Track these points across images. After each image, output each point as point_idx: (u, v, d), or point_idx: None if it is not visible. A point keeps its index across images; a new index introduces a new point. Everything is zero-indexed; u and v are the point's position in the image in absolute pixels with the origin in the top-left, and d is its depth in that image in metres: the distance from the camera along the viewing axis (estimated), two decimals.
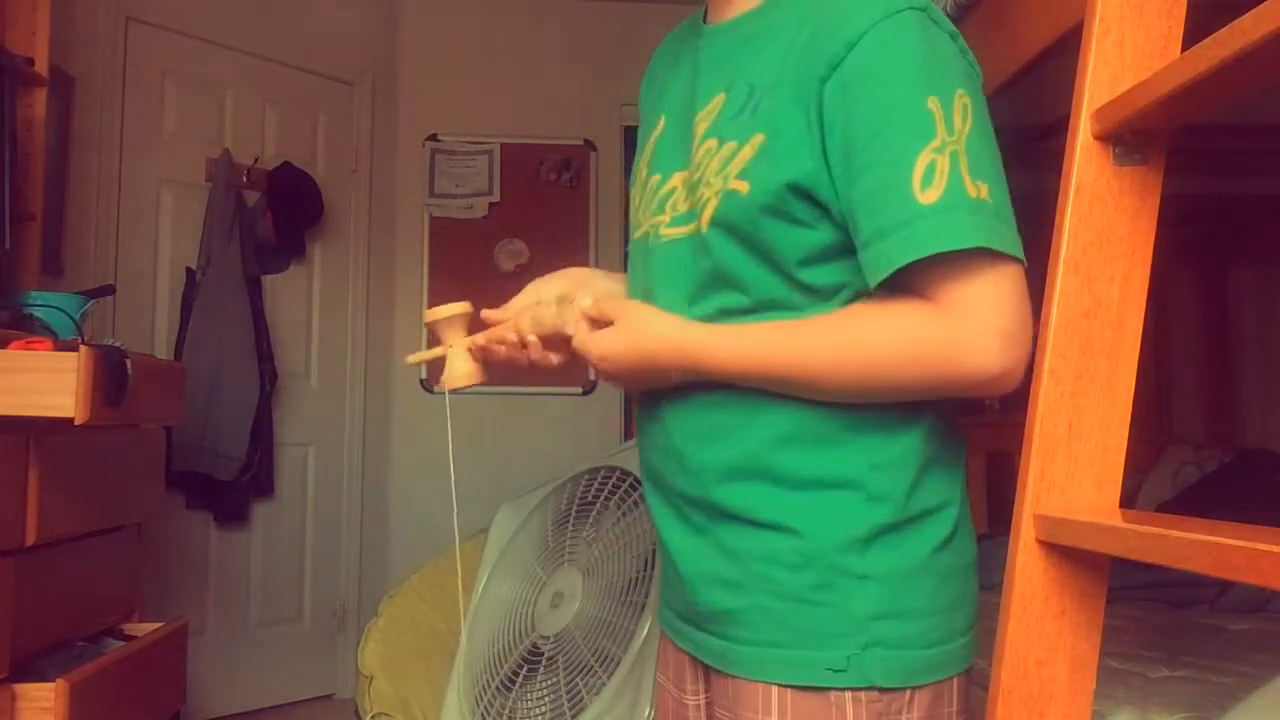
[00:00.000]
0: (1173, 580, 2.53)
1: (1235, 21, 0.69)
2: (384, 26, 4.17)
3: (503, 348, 1.13)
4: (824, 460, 0.97)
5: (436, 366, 1.16)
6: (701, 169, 1.02)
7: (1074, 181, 0.87)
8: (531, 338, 1.11)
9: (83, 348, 1.92)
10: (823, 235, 0.96)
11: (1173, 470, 3.27)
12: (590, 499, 2.56)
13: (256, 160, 3.68)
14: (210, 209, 3.49)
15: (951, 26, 0.98)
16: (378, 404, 4.08)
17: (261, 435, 3.55)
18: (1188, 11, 0.86)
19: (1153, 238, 0.87)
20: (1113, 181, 0.87)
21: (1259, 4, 0.66)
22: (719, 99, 1.03)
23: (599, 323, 1.04)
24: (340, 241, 3.99)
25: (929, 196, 0.89)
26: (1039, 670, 0.85)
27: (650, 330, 1.01)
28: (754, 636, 0.99)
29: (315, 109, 3.94)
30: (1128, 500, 1.54)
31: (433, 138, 4.19)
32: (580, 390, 4.24)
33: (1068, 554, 0.85)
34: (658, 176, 1.10)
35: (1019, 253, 0.91)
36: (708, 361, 0.98)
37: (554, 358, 1.12)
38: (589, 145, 4.27)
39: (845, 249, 0.96)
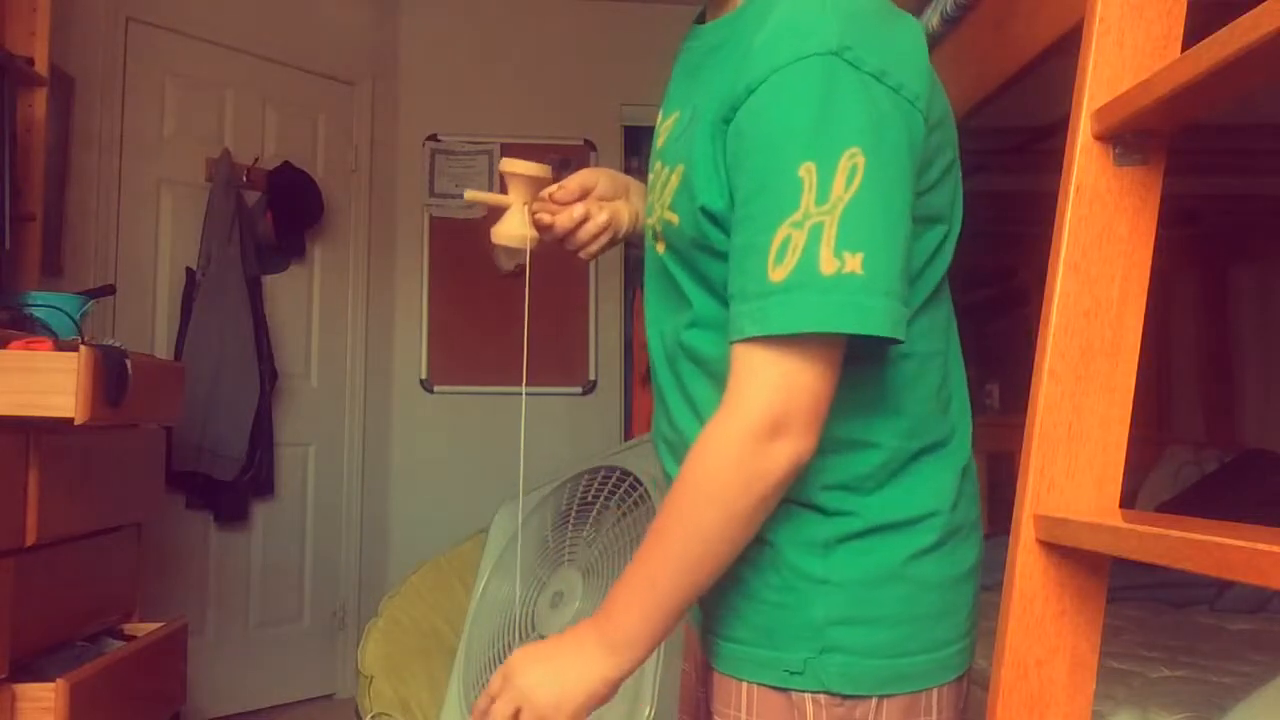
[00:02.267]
0: (1173, 580, 2.53)
1: (1235, 21, 0.68)
2: (384, 26, 4.17)
3: (563, 219, 1.14)
4: None
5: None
6: (654, 190, 1.05)
7: (1074, 181, 0.87)
8: (601, 217, 1.14)
9: (83, 348, 1.92)
10: None
11: (1173, 470, 3.27)
12: (590, 499, 2.56)
13: (256, 160, 3.68)
14: (210, 209, 3.49)
15: (882, 64, 0.90)
16: (378, 404, 4.09)
17: (261, 435, 3.55)
18: (1188, 11, 0.86)
19: (1153, 238, 0.87)
20: (1113, 181, 0.87)
21: (1259, 4, 0.66)
22: (674, 117, 1.05)
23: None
24: (340, 241, 4.00)
25: (778, 274, 0.87)
26: (1039, 670, 0.85)
27: (561, 672, 0.95)
28: (730, 633, 1.01)
29: (315, 109, 3.94)
30: (1128, 500, 1.54)
31: (433, 138, 4.19)
32: (580, 390, 4.24)
33: (1068, 554, 0.85)
34: (652, 177, 1.12)
35: (884, 328, 0.88)
36: (642, 642, 0.95)
37: (602, 240, 1.16)
38: (589, 145, 4.27)
39: None
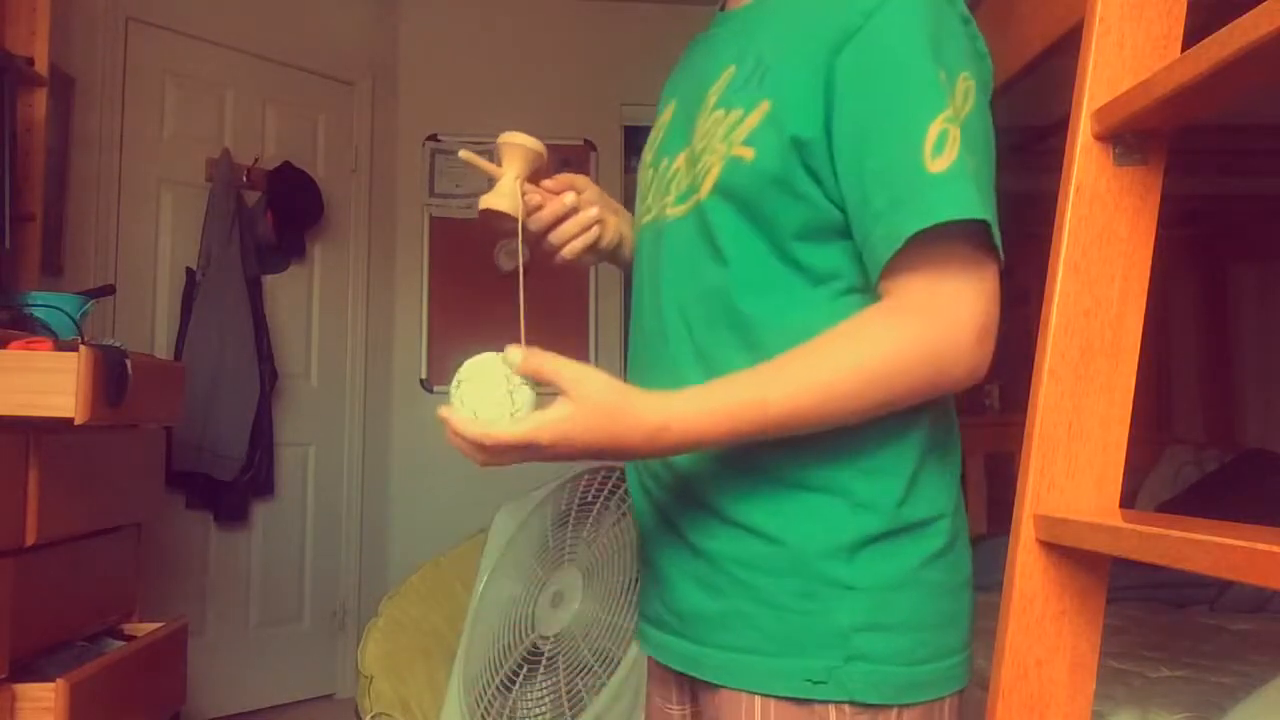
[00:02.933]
0: (1173, 580, 2.53)
1: (1235, 21, 0.69)
2: (384, 26, 4.17)
3: (554, 205, 1.13)
4: (808, 462, 0.94)
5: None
6: (706, 138, 1.01)
7: (1074, 181, 0.87)
8: (591, 211, 1.13)
9: (83, 348, 1.91)
10: (819, 211, 0.94)
11: (1173, 470, 3.27)
12: (590, 499, 2.56)
13: (256, 160, 3.68)
14: (210, 209, 3.49)
15: (965, 10, 0.97)
16: (378, 404, 4.08)
17: (261, 435, 3.55)
18: (1188, 11, 0.86)
19: (1153, 238, 0.87)
20: (1113, 181, 0.87)
21: (1259, 4, 0.66)
22: (730, 70, 1.02)
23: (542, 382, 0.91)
24: (340, 241, 3.99)
25: (939, 165, 0.87)
26: (1039, 670, 0.85)
27: (622, 411, 0.88)
28: (732, 642, 0.96)
29: (315, 109, 3.94)
30: (1128, 500, 1.54)
31: (433, 138, 4.19)
32: None
33: (1068, 554, 0.85)
34: (665, 159, 1.09)
35: (999, 243, 0.90)
36: (693, 438, 0.90)
37: (583, 240, 1.14)
38: (589, 145, 4.27)
39: (841, 231, 0.94)
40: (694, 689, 1.04)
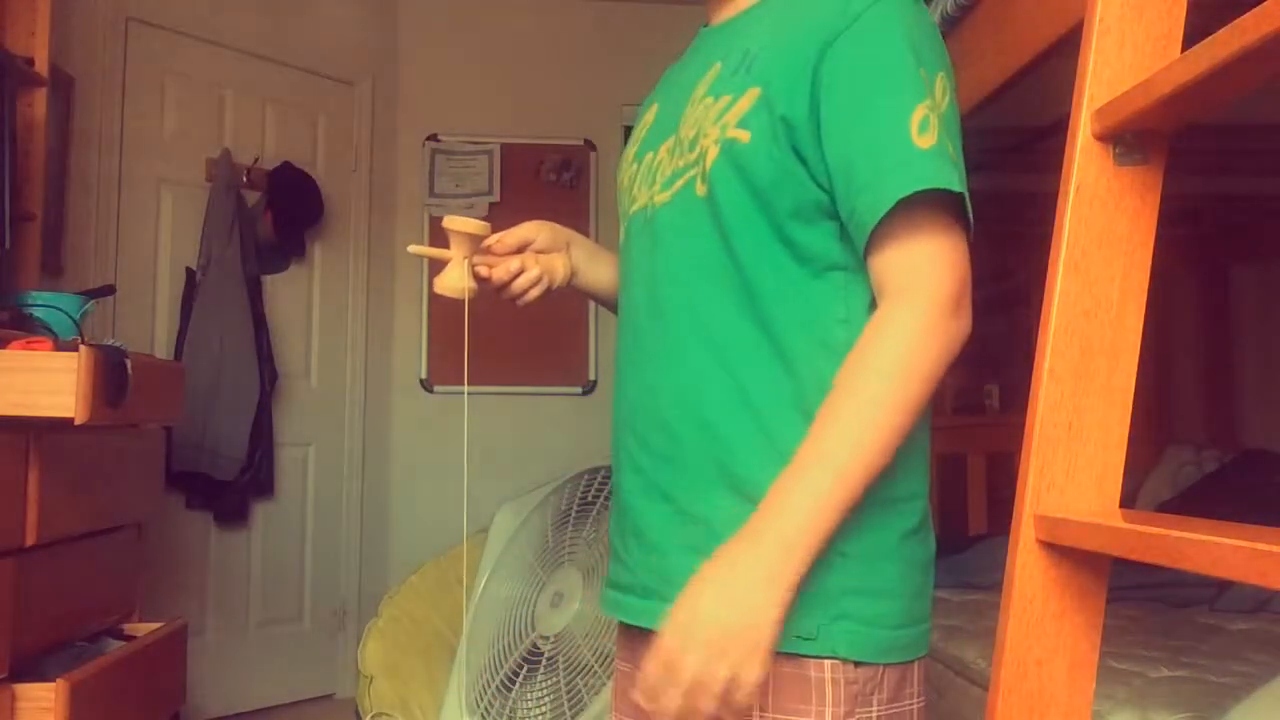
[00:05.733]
0: (1173, 580, 2.53)
1: (1235, 21, 0.68)
2: (384, 26, 4.17)
3: (499, 272, 1.22)
4: (793, 444, 0.97)
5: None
6: (697, 124, 1.06)
7: (1074, 181, 0.87)
8: (534, 271, 1.22)
9: (83, 348, 1.92)
10: (806, 191, 1.01)
11: (1173, 470, 3.27)
12: (590, 499, 2.57)
13: (256, 160, 3.68)
14: (210, 209, 3.49)
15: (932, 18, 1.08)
16: (378, 404, 4.09)
17: (261, 435, 3.55)
18: (1188, 11, 0.86)
19: (1153, 238, 0.87)
20: (1113, 181, 0.87)
21: (1259, 4, 0.66)
22: (716, 66, 1.08)
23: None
24: (340, 241, 3.99)
25: (925, 141, 0.95)
26: (1039, 670, 0.85)
27: (741, 589, 0.92)
28: None
29: (315, 109, 3.94)
30: (1128, 500, 1.54)
31: (433, 138, 4.19)
32: (580, 390, 4.24)
33: (1068, 554, 0.85)
34: (650, 154, 1.15)
35: (971, 220, 0.99)
36: (813, 534, 0.93)
37: (535, 292, 1.24)
38: (589, 145, 4.27)
39: (826, 212, 1.01)
40: None
